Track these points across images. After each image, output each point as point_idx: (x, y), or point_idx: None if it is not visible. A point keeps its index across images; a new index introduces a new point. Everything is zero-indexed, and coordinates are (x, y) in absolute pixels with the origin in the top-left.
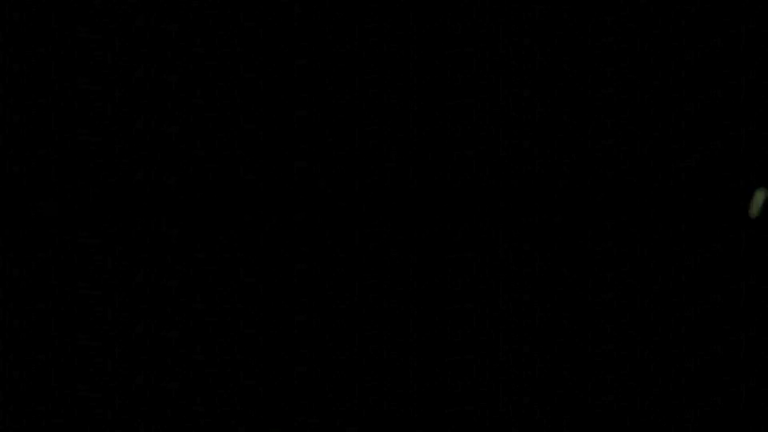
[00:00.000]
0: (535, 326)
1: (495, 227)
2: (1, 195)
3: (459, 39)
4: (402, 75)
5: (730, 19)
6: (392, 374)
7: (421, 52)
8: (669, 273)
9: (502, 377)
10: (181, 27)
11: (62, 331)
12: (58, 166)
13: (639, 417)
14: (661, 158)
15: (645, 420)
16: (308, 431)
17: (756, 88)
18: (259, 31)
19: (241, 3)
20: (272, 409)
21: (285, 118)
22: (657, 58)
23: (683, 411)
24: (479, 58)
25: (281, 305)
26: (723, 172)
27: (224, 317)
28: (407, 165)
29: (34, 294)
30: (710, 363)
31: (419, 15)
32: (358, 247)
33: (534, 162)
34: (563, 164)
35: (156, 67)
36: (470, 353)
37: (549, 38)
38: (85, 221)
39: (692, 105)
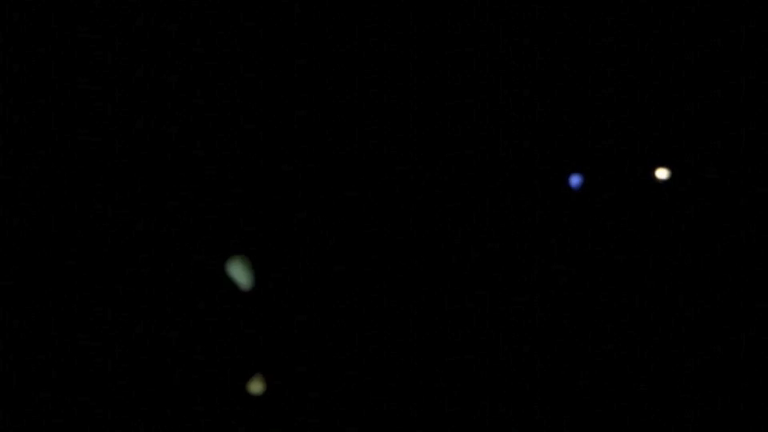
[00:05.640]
0: (535, 327)
1: (495, 227)
2: (1, 196)
3: (459, 39)
4: (402, 75)
5: (730, 19)
6: (392, 374)
7: (421, 52)
8: (669, 273)
9: (502, 377)
10: (181, 27)
11: (62, 332)
12: (58, 166)
13: (640, 417)
14: (661, 159)
15: (645, 420)
16: (307, 431)
17: (756, 88)
18: (259, 31)
19: (241, 3)
20: (272, 409)
21: (285, 118)
22: (657, 59)
23: (683, 411)
24: (479, 59)
25: (281, 305)
26: (723, 171)
27: (224, 317)
28: (407, 164)
29: (34, 294)
30: (710, 363)
31: (419, 15)
32: (358, 247)
33: (534, 162)
34: (563, 164)
35: (156, 67)
36: (470, 353)
37: (549, 38)
38: (85, 221)
39: (692, 105)
